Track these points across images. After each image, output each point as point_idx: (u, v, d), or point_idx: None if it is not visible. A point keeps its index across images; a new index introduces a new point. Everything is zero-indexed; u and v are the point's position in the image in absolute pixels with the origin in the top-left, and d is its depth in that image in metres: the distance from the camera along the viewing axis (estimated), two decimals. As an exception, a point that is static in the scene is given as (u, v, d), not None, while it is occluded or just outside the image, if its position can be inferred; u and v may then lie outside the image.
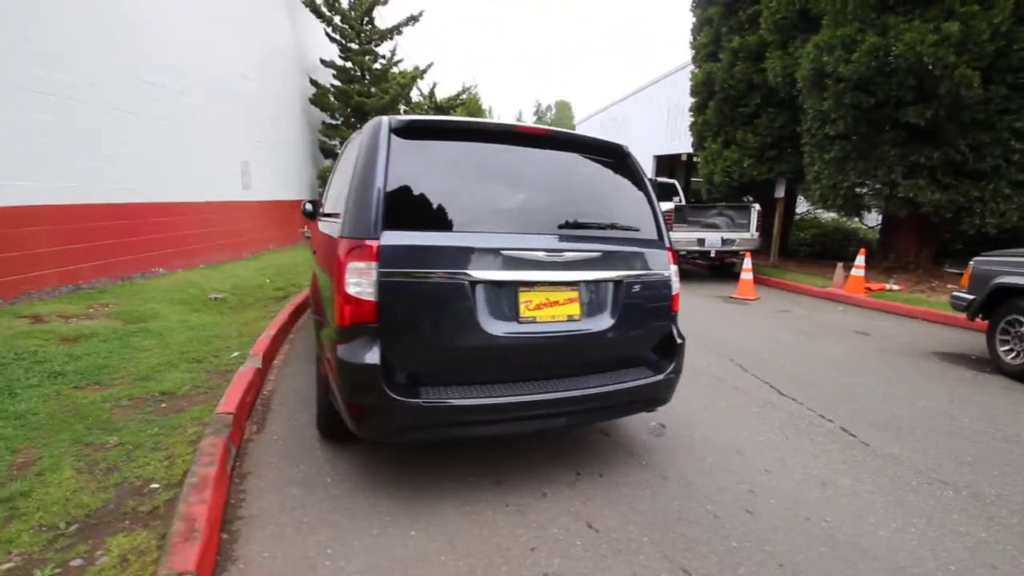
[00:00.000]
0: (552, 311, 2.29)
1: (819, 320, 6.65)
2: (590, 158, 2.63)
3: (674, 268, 2.67)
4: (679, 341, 2.65)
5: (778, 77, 9.04)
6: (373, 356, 2.04)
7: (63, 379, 3.22)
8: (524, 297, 2.24)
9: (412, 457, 2.64)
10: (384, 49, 12.68)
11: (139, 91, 6.40)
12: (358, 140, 2.59)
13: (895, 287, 8.14)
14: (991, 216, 6.99)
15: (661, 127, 23.33)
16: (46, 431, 2.61)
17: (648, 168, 25.10)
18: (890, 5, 6.86)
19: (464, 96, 17.65)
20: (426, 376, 2.15)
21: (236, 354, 3.97)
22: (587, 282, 2.36)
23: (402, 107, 12.58)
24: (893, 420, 3.47)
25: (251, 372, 3.47)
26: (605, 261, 2.40)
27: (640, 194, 2.68)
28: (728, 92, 10.42)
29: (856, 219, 10.26)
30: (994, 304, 4.54)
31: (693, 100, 11.75)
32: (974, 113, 6.60)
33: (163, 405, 3.03)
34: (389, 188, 2.15)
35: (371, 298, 2.05)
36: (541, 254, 2.25)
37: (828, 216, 13.30)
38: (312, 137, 12.16)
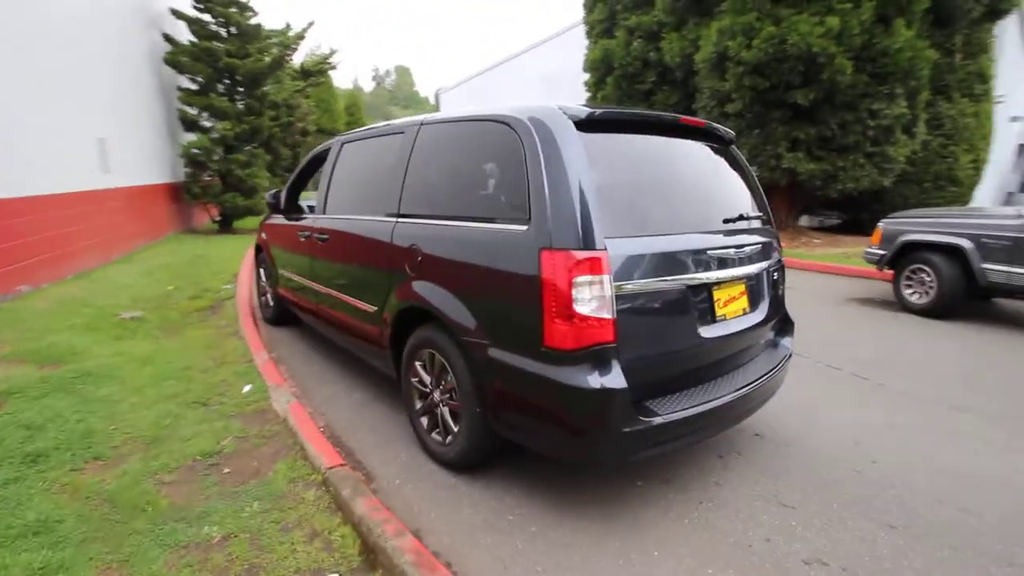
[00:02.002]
0: (733, 307, 2.28)
1: (744, 279, 7.57)
2: (713, 147, 2.61)
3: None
4: (792, 321, 2.84)
5: (676, 58, 9.78)
6: (617, 379, 1.84)
7: (48, 461, 2.33)
8: (716, 296, 2.19)
9: (566, 474, 2.45)
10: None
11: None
12: (496, 131, 2.21)
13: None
14: (851, 182, 8.59)
15: (533, 99, 23.75)
16: (101, 541, 1.89)
17: (520, 140, 25.49)
18: (781, -2, 7.84)
19: (332, 59, 15.99)
20: (650, 390, 2.01)
21: (248, 388, 3.23)
22: (751, 274, 2.38)
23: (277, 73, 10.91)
24: (876, 360, 4.15)
25: (299, 409, 2.88)
26: (761, 252, 2.44)
27: (750, 180, 2.75)
28: (626, 69, 10.99)
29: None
30: (900, 257, 5.62)
31: (589, 76, 12.17)
32: (844, 96, 7.94)
33: (226, 471, 2.37)
34: (594, 190, 1.91)
35: (608, 315, 1.83)
36: (731, 251, 2.21)
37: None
38: (168, 105, 9.99)
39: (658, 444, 1.98)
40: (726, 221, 2.36)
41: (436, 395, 2.50)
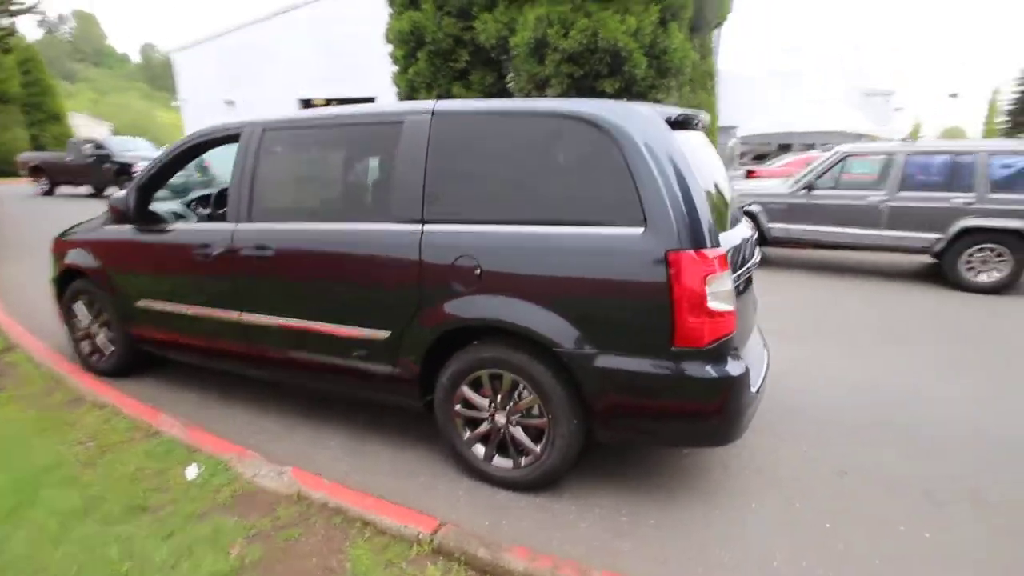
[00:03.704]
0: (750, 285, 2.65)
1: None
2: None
3: None
4: None
5: (491, 39, 10.02)
6: (741, 364, 2.04)
7: None
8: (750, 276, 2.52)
9: (629, 463, 2.54)
10: None
11: None
12: (573, 129, 2.08)
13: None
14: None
15: (309, 65, 21.40)
16: None
17: (295, 113, 22.89)
18: (588, -7, 8.70)
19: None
20: None
21: (194, 471, 2.42)
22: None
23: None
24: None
25: (311, 477, 2.32)
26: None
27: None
28: (439, 46, 10.79)
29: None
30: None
31: (396, 49, 11.55)
32: (639, 87, 9.35)
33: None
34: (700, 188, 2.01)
35: (731, 307, 1.98)
36: (753, 235, 2.55)
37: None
38: None
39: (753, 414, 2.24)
40: (740, 209, 2.69)
41: (500, 418, 2.30)
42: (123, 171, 13.56)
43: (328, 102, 26.17)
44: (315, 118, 2.67)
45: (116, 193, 3.10)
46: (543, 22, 8.81)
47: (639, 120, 2.02)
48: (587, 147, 2.05)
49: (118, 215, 3.11)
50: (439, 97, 11.39)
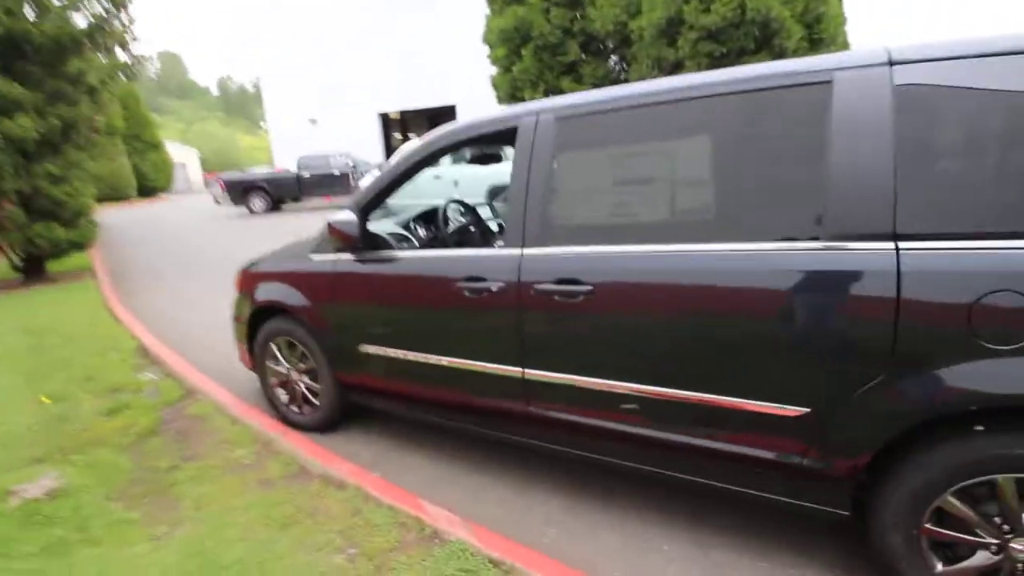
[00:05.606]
0: None
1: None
2: None
3: None
4: None
5: (608, 25, 9.16)
6: None
7: None
8: None
9: None
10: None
11: None
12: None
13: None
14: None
15: (386, 80, 21.39)
16: None
17: (376, 130, 22.98)
18: (732, -40, 7.67)
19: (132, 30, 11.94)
20: None
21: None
22: None
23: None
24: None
25: None
26: None
27: None
28: (547, 39, 10.05)
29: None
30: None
31: (498, 48, 10.93)
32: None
33: None
34: None
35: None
36: None
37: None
38: None
39: None
40: None
41: (1019, 547, 1.41)
42: None
43: (402, 115, 26.40)
44: (648, 93, 1.86)
45: (335, 215, 2.48)
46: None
47: None
48: None
49: (344, 241, 2.47)
50: (547, 93, 10.65)
